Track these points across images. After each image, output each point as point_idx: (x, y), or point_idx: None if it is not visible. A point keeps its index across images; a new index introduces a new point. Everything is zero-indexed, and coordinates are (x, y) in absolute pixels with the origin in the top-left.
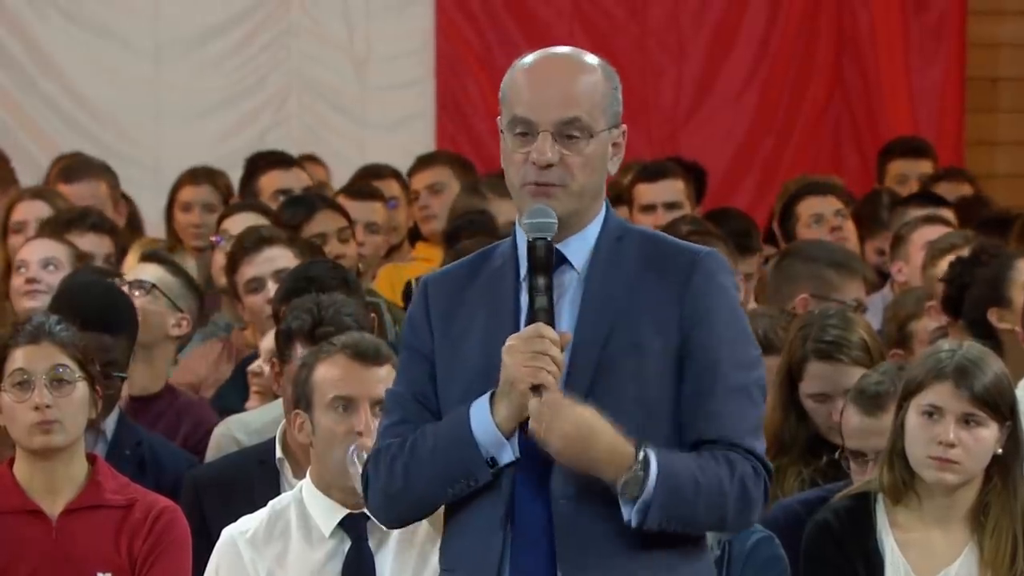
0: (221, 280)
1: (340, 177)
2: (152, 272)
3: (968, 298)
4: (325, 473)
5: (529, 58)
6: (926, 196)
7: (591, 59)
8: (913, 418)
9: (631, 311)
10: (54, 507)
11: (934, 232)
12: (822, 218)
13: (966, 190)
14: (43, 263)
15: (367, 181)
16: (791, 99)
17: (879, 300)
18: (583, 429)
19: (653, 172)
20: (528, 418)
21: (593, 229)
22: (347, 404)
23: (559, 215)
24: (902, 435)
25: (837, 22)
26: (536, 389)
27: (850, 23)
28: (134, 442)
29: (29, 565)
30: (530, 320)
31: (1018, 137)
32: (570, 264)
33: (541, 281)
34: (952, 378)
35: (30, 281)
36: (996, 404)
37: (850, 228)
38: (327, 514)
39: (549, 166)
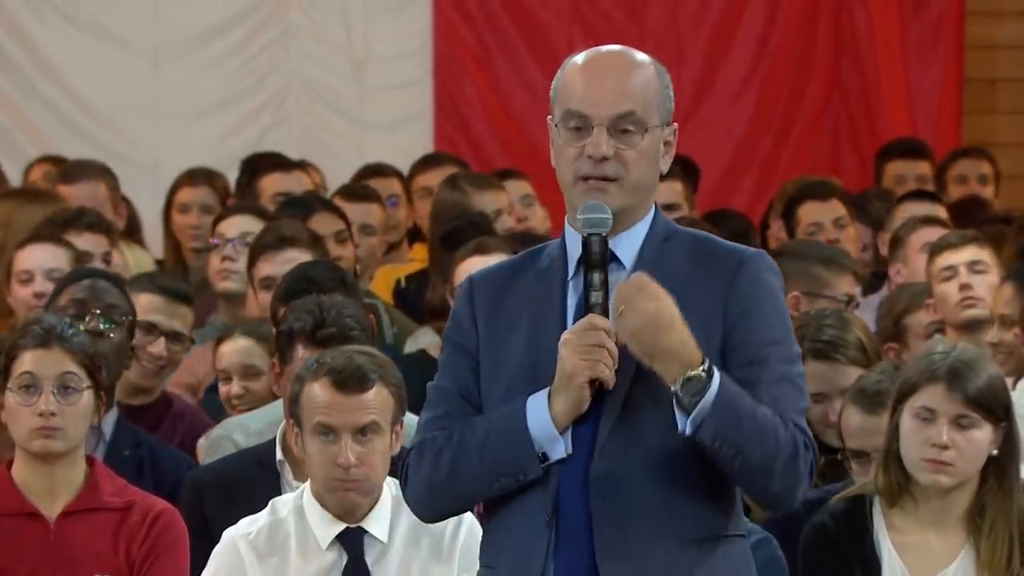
0: (218, 283)
1: (339, 177)
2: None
3: None
4: (317, 486)
5: (580, 56)
6: (921, 194)
7: (643, 56)
8: (907, 420)
9: (678, 308)
10: (52, 509)
11: (933, 233)
12: (821, 227)
13: (986, 168)
14: (47, 274)
15: (368, 180)
16: (789, 99)
17: (876, 301)
18: (663, 314)
19: None
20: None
21: (642, 227)
22: (329, 432)
23: (613, 210)
24: (897, 437)
25: (835, 23)
26: (594, 383)
27: (848, 24)
28: (133, 444)
29: (27, 567)
30: (583, 313)
31: (1016, 138)
32: (619, 262)
33: (596, 277)
34: (945, 380)
35: (39, 296)
36: (990, 406)
37: (849, 236)
38: (325, 526)
39: (604, 159)
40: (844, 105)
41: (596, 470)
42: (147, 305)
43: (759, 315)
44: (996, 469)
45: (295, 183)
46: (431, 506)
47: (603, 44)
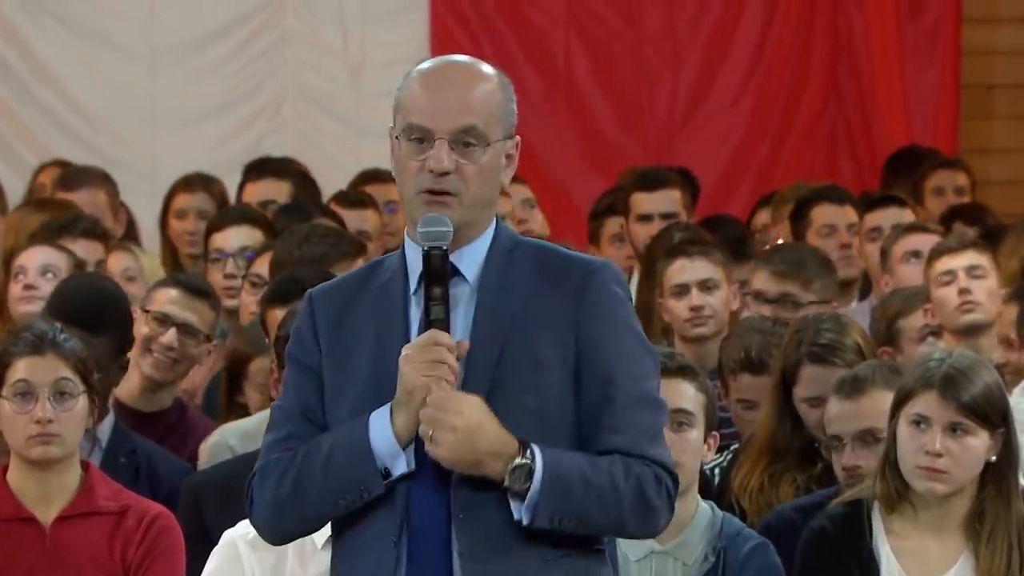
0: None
1: (335, 183)
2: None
3: None
4: None
5: (425, 65)
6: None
7: (488, 69)
8: (903, 427)
9: (525, 323)
10: (47, 514)
11: (915, 241)
12: (835, 229)
13: (962, 180)
14: (41, 270)
15: (366, 186)
16: (786, 105)
17: (866, 307)
18: (470, 421)
19: (651, 181)
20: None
21: (484, 241)
22: None
23: (453, 224)
24: (894, 445)
25: (832, 29)
26: None
27: (845, 30)
28: (129, 450)
29: (22, 572)
30: (424, 328)
31: (1013, 144)
32: (462, 276)
33: (437, 291)
34: (939, 387)
35: (28, 288)
36: (985, 413)
37: (855, 244)
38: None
39: (445, 174)
40: (841, 111)
41: (454, 476)
42: (163, 298)
43: (610, 330)
44: (995, 475)
45: (276, 191)
46: (277, 527)
47: (600, 49)
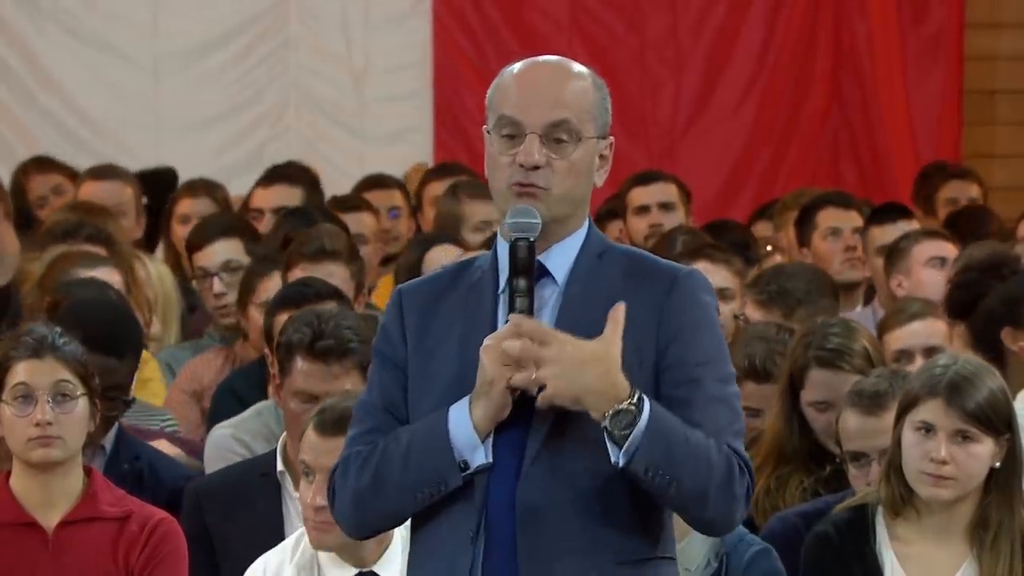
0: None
1: (339, 189)
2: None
3: (981, 309)
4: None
5: (518, 65)
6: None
7: (581, 68)
8: (908, 434)
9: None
10: (50, 520)
11: (935, 247)
12: (840, 232)
13: (975, 192)
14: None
15: (369, 191)
16: (789, 112)
17: (870, 313)
18: (576, 355)
19: (646, 177)
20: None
21: (574, 242)
22: (308, 472)
23: (542, 218)
24: (899, 451)
25: (835, 35)
26: (515, 389)
27: (848, 36)
28: (132, 456)
29: None
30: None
31: (1015, 150)
32: (551, 277)
33: (522, 283)
34: (944, 395)
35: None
36: (990, 420)
37: (860, 249)
38: (337, 571)
39: (535, 168)
40: (843, 117)
41: (522, 501)
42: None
43: (693, 334)
44: (999, 481)
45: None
46: (358, 520)
47: (603, 55)
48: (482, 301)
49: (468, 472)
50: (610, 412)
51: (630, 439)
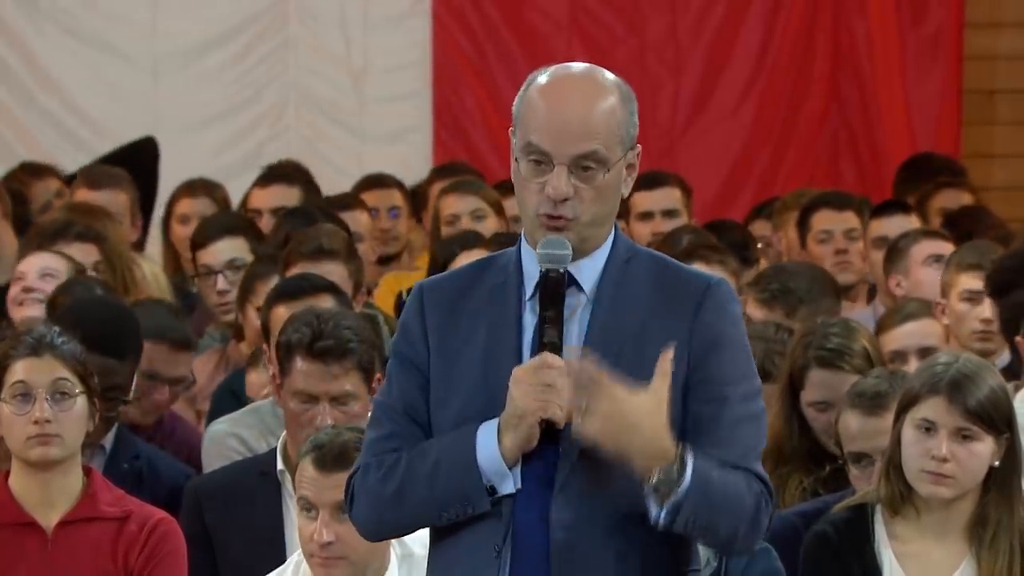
0: (221, 317)
1: (338, 189)
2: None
3: (1012, 298)
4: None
5: (544, 77)
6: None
7: (608, 78)
8: (908, 431)
9: (639, 336)
10: (49, 519)
11: (933, 246)
12: (831, 235)
13: (967, 200)
14: (40, 272)
15: (369, 191)
16: (788, 112)
17: (869, 313)
18: (625, 415)
19: (650, 181)
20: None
21: (603, 251)
22: (309, 507)
23: (572, 245)
24: (899, 448)
25: (833, 36)
26: (543, 421)
27: (847, 36)
28: (132, 455)
29: None
30: (538, 351)
31: (1015, 150)
32: (579, 286)
33: (551, 313)
34: (945, 392)
35: (27, 290)
36: (991, 418)
37: (857, 249)
38: None
39: (564, 200)
40: (843, 117)
41: (556, 520)
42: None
43: (724, 350)
44: (998, 480)
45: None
46: (376, 527)
47: (602, 56)
48: (507, 306)
49: (496, 496)
50: (657, 473)
51: (673, 499)
